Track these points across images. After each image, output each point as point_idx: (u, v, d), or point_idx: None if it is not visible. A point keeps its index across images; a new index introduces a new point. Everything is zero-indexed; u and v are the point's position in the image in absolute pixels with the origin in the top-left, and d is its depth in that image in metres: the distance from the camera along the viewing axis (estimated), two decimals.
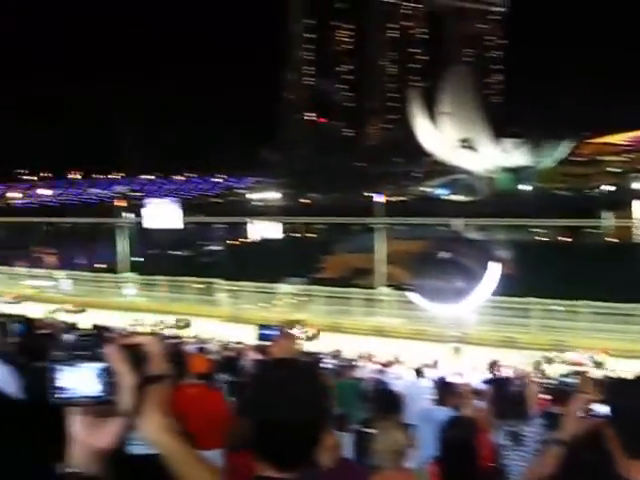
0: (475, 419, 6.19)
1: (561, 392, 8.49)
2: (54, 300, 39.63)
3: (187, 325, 34.80)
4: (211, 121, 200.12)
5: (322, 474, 1.99)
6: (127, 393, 1.43)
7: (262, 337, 8.00)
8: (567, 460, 2.62)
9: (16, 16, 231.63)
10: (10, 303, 36.45)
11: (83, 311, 37.07)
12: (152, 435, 1.50)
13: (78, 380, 1.42)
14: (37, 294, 42.32)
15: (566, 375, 15.49)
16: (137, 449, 1.62)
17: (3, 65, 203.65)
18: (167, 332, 28.88)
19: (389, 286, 36.52)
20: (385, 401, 6.35)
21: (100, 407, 1.44)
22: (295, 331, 32.90)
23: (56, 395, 1.41)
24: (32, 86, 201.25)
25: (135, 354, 1.49)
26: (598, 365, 23.96)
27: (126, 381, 1.43)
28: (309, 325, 33.86)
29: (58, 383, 1.42)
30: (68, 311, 35.11)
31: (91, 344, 1.46)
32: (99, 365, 1.43)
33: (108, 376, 1.43)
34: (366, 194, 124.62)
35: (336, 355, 19.03)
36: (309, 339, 31.00)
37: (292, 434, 1.85)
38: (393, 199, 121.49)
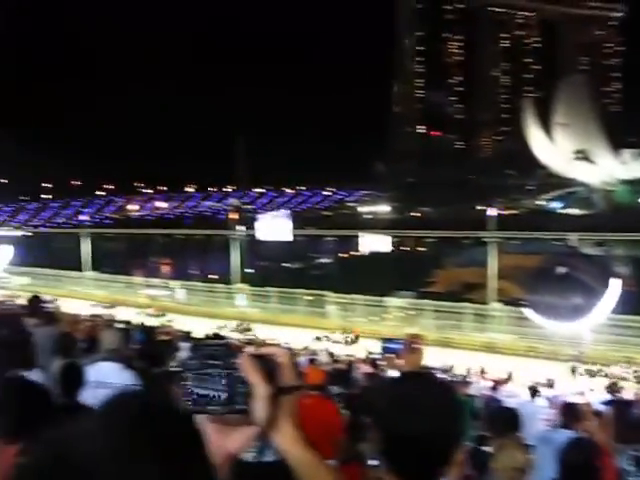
0: (597, 442, 5.96)
1: None
2: (169, 309, 40.94)
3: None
4: (322, 135, 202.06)
5: None
6: (259, 403, 1.45)
7: (386, 350, 8.01)
8: None
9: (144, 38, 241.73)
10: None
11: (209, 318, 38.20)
12: (284, 445, 1.52)
13: (211, 388, 1.45)
14: (153, 303, 43.83)
15: None
16: (266, 456, 1.66)
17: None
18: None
19: (501, 301, 35.75)
20: (502, 419, 6.21)
21: (232, 416, 1.47)
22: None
23: (189, 402, 1.44)
24: (143, 104, 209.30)
25: (267, 365, 1.51)
26: None
27: (259, 391, 1.45)
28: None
29: (191, 390, 1.45)
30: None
31: (223, 353, 1.48)
32: (231, 375, 1.46)
33: (241, 385, 1.46)
34: (478, 207, 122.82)
35: (447, 370, 18.79)
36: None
37: (426, 448, 1.84)
38: (506, 212, 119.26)
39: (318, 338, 32.94)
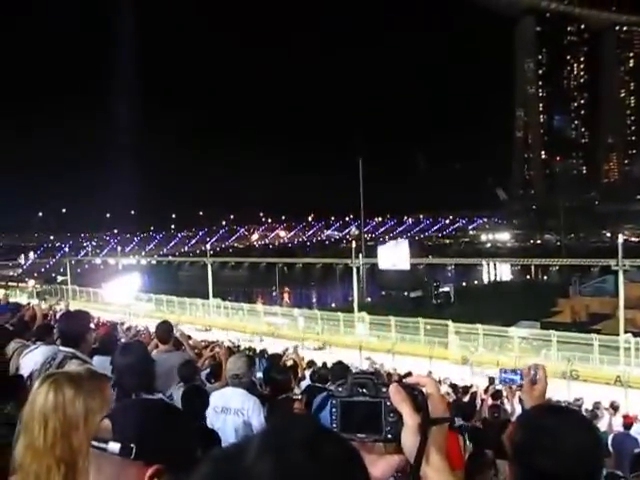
0: None
1: None
2: (291, 337, 41.52)
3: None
4: (445, 162, 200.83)
5: None
6: (409, 433, 1.45)
7: (504, 380, 7.89)
8: None
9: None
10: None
11: (321, 348, 38.53)
12: (431, 476, 1.50)
13: (360, 417, 1.49)
14: (275, 330, 44.58)
15: None
16: None
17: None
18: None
19: (631, 332, 34.29)
20: (638, 458, 6.03)
21: (378, 445, 1.49)
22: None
23: (339, 429, 1.47)
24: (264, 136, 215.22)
25: (416, 395, 1.50)
26: None
27: (409, 421, 1.45)
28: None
29: (339, 418, 1.50)
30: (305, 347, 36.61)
31: (372, 382, 1.51)
32: (381, 403, 1.49)
33: (390, 415, 1.47)
34: (605, 234, 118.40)
35: (577, 404, 18.17)
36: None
37: None
38: (635, 239, 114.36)
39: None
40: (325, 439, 1.09)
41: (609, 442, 11.68)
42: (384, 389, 1.50)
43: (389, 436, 1.48)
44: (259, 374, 9.64)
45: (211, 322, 48.17)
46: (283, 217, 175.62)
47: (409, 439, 1.46)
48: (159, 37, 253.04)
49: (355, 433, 1.48)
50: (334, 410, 1.51)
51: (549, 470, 1.80)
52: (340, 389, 1.53)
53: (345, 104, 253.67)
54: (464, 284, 75.43)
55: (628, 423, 12.89)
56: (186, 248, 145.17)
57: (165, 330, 7.90)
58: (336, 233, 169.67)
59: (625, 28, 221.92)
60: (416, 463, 1.47)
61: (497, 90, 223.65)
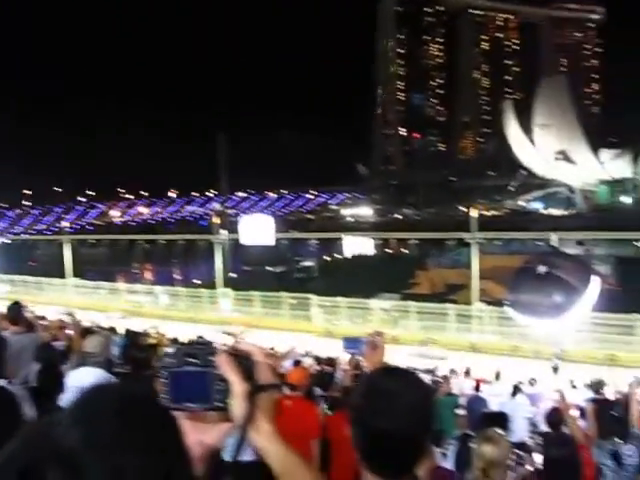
0: (578, 438, 6.05)
1: None
2: (153, 315, 40.75)
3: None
4: (304, 137, 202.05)
5: None
6: (237, 401, 1.49)
7: (347, 348, 8.05)
8: None
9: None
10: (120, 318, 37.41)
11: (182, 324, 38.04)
12: (261, 442, 1.54)
13: (189, 386, 1.49)
14: (137, 309, 43.61)
15: None
16: (245, 456, 1.67)
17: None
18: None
19: (484, 302, 35.89)
20: (485, 417, 6.29)
21: (209, 413, 1.51)
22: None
23: (166, 400, 1.47)
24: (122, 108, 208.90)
25: (244, 363, 1.54)
26: None
27: (236, 389, 1.49)
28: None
29: (169, 389, 1.49)
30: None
31: (202, 352, 1.52)
32: (210, 373, 1.50)
33: (219, 383, 1.50)
34: (460, 209, 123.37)
35: (431, 371, 18.88)
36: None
37: (401, 443, 1.85)
38: (488, 213, 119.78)
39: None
40: (135, 407, 1.10)
41: (462, 404, 12.22)
42: (213, 358, 1.52)
43: (218, 404, 1.50)
44: (117, 352, 9.39)
45: (70, 302, 46.44)
46: (144, 193, 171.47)
47: (238, 407, 1.49)
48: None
49: (185, 403, 1.49)
50: (165, 381, 1.50)
51: (384, 430, 1.84)
52: (170, 360, 1.52)
53: (208, 77, 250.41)
54: (327, 258, 76.64)
55: (477, 386, 13.51)
56: (42, 226, 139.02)
57: (15, 311, 7.81)
58: (198, 209, 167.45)
59: (478, 12, 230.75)
60: (243, 429, 1.50)
61: (359, 68, 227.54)
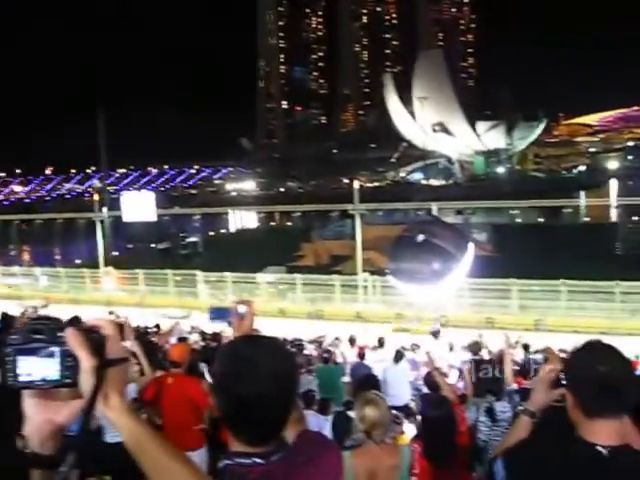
0: (453, 398, 6.32)
1: (533, 368, 8.71)
2: (33, 297, 39.33)
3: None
4: (185, 112, 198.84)
5: (290, 447, 2.03)
6: (85, 376, 1.45)
7: (213, 318, 8.00)
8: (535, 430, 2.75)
9: None
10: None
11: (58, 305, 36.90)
12: (112, 417, 1.52)
13: (36, 363, 1.43)
14: (14, 292, 41.96)
15: (536, 352, 15.94)
16: (110, 437, 1.63)
17: None
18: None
19: (368, 272, 36.56)
20: (364, 380, 6.46)
21: (61, 390, 1.47)
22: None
23: (12, 379, 1.42)
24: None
25: (93, 338, 1.50)
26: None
27: (85, 364, 1.45)
28: None
29: (15, 367, 1.43)
30: (43, 306, 34.80)
31: (48, 328, 1.46)
32: (57, 348, 1.45)
33: (67, 359, 1.45)
34: (343, 181, 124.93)
35: (318, 341, 19.12)
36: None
37: (264, 409, 1.89)
38: (370, 185, 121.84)
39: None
40: None
41: (348, 371, 12.49)
42: (61, 334, 1.46)
43: (67, 381, 1.45)
44: None
45: None
46: (17, 171, 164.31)
47: (86, 382, 1.46)
48: None
49: (32, 380, 1.43)
50: (8, 359, 1.43)
51: (246, 395, 1.86)
52: (14, 337, 1.45)
53: (88, 51, 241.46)
54: (211, 233, 75.94)
55: (362, 353, 13.81)
56: None
57: None
58: (77, 186, 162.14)
59: None
60: (89, 405, 1.46)
61: (242, 41, 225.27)
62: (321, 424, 6.91)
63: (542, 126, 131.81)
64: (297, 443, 2.05)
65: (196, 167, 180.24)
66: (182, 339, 13.08)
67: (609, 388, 2.23)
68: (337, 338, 18.16)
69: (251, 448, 1.93)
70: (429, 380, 7.65)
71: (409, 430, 7.43)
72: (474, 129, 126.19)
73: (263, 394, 1.87)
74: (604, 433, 2.27)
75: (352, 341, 17.15)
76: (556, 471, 2.23)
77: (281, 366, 1.95)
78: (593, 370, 2.28)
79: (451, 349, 15.93)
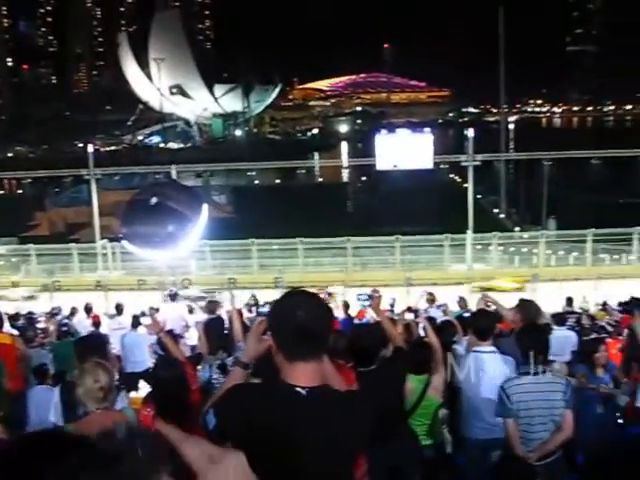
0: (182, 358, 6.41)
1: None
2: None
3: None
4: None
5: None
6: None
7: None
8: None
9: None
10: None
11: None
12: None
13: None
14: None
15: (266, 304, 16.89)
16: None
17: None
18: None
19: (107, 239, 35.63)
20: (87, 346, 6.35)
21: None
22: None
23: None
24: None
25: None
26: None
27: None
28: None
29: None
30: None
31: None
32: None
33: None
34: (77, 144, 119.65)
35: (52, 314, 18.34)
36: None
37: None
38: (106, 149, 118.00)
39: None
40: None
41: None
42: None
43: None
44: None
45: None
46: None
47: None
48: None
49: None
50: None
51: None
52: None
53: None
54: None
55: (96, 322, 13.56)
56: None
57: None
58: None
59: None
60: None
61: None
62: (50, 397, 6.68)
63: (277, 90, 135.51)
64: None
65: None
66: None
67: (307, 332, 2.40)
68: (74, 307, 17.55)
69: None
70: (160, 343, 7.68)
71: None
72: (212, 92, 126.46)
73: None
74: (304, 375, 2.45)
75: (88, 310, 16.70)
76: (260, 414, 2.36)
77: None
78: (292, 316, 2.43)
79: (191, 311, 16.08)
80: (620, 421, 6.65)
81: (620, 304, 16.81)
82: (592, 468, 5.49)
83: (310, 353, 2.47)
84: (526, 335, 5.26)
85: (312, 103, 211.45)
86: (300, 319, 2.41)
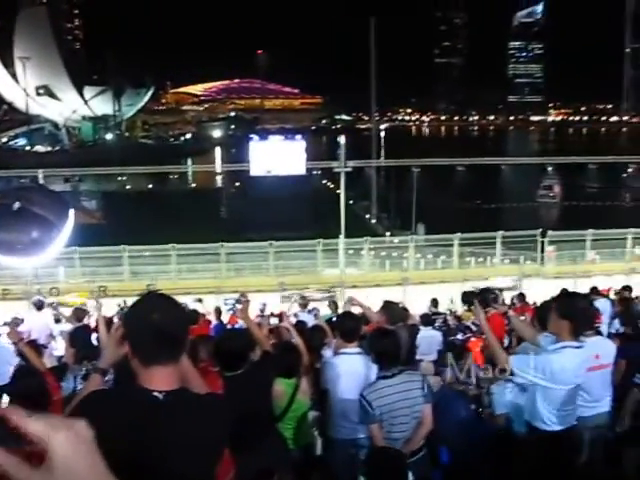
0: (42, 368, 6.26)
1: None
2: None
3: None
4: None
5: None
6: None
7: None
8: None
9: None
10: None
11: None
12: None
13: None
14: None
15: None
16: None
17: None
18: None
19: None
20: None
21: None
22: None
23: None
24: None
25: None
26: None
27: None
28: None
29: None
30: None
31: None
32: None
33: None
34: None
35: None
36: None
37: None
38: None
39: None
40: None
41: None
42: None
43: None
44: None
45: None
46: None
47: None
48: None
49: None
50: None
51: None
52: None
53: None
54: None
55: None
56: None
57: None
58: None
59: None
60: None
61: None
62: None
63: (150, 93, 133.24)
64: None
65: None
66: None
67: (163, 335, 2.39)
68: None
69: None
70: (19, 353, 7.45)
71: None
72: (81, 94, 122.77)
73: None
74: (161, 379, 2.41)
75: None
76: (117, 421, 2.29)
77: None
78: (148, 320, 2.41)
79: (58, 320, 15.55)
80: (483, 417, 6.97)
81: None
82: (456, 465, 5.78)
83: (167, 356, 2.43)
84: (376, 340, 5.47)
85: (185, 107, 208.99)
86: (156, 322, 2.38)
